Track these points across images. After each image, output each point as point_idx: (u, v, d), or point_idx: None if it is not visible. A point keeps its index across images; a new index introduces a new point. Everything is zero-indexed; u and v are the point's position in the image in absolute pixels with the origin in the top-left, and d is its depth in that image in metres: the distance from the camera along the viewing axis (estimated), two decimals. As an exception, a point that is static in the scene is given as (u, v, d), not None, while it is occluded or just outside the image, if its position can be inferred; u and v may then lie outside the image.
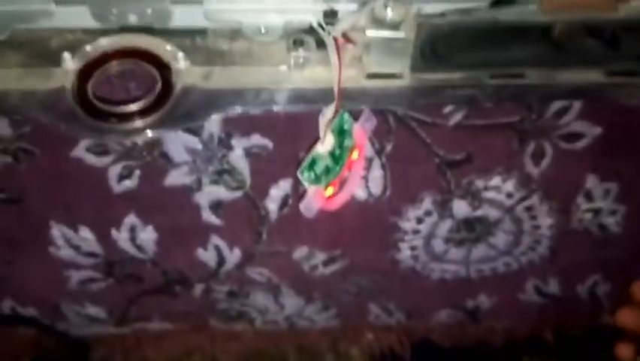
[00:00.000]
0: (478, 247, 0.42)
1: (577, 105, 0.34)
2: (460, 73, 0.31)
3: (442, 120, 0.35)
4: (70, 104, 0.30)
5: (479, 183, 0.38)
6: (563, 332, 0.52)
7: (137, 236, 0.40)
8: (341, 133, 0.31)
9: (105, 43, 0.31)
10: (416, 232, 0.41)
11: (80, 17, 0.30)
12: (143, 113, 0.30)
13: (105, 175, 0.36)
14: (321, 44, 0.30)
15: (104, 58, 0.30)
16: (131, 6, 0.29)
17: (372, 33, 0.28)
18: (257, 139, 0.36)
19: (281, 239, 0.40)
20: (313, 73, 0.31)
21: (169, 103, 0.29)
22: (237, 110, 0.31)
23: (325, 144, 0.30)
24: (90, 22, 0.31)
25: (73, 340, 0.48)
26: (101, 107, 0.31)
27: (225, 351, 0.51)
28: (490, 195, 0.39)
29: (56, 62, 0.30)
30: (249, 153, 0.36)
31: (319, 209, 0.32)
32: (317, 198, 0.31)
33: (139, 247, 0.40)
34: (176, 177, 0.37)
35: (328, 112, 0.30)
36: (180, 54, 0.31)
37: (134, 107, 0.31)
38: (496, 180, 0.38)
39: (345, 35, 0.30)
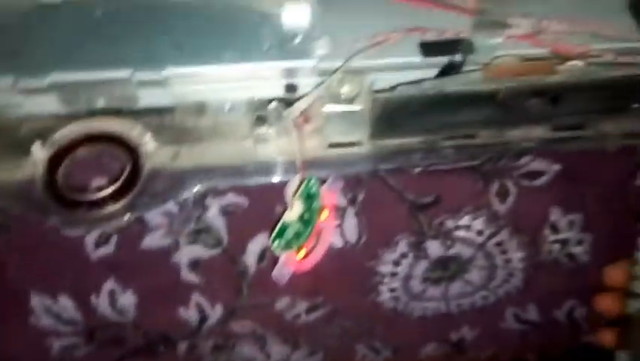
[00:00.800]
0: (454, 284, 0.43)
1: (533, 147, 0.36)
2: (416, 137, 0.32)
3: (408, 167, 0.37)
4: (41, 195, 0.30)
5: (450, 223, 0.40)
6: (544, 354, 0.53)
7: (117, 301, 0.40)
8: (309, 197, 0.32)
9: (74, 129, 0.31)
10: (394, 274, 0.42)
11: (49, 103, 0.31)
12: (113, 198, 0.31)
13: (82, 243, 0.37)
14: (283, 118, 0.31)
15: (73, 144, 0.31)
16: (99, 90, 0.30)
17: (329, 108, 0.30)
18: (231, 197, 0.37)
19: (262, 292, 0.41)
20: (277, 146, 0.31)
21: (138, 186, 0.30)
22: (206, 186, 0.32)
23: (293, 211, 0.31)
24: (59, 108, 0.31)
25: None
26: (72, 196, 0.31)
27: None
28: (461, 233, 0.40)
29: (25, 151, 0.31)
30: (224, 211, 0.37)
31: (292, 272, 0.33)
32: (289, 263, 0.32)
33: (119, 312, 0.40)
34: (152, 240, 0.37)
35: (293, 182, 0.31)
36: (148, 135, 0.31)
37: (104, 193, 0.31)
38: (465, 220, 0.39)
39: (303, 114, 0.31)
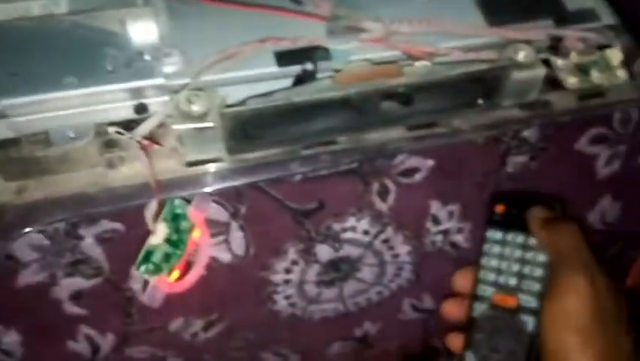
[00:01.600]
0: (348, 284, 0.44)
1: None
2: (275, 149, 0.32)
3: (287, 177, 0.37)
4: None
5: (336, 227, 0.40)
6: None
7: (1, 342, 0.38)
8: (174, 219, 0.31)
9: None
10: (287, 281, 0.42)
11: None
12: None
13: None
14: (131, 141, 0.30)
15: None
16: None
17: (181, 126, 0.29)
18: (106, 224, 0.35)
19: (153, 315, 0.40)
20: (131, 169, 0.30)
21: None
22: (58, 218, 0.30)
23: (157, 235, 0.31)
24: None
25: None
26: None
27: None
28: (348, 235, 0.41)
29: None
30: (100, 239, 0.36)
31: (167, 294, 0.32)
32: (161, 286, 0.31)
33: (6, 352, 0.38)
34: (27, 277, 0.36)
35: (152, 205, 0.30)
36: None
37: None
38: (351, 221, 0.40)
39: (153, 134, 0.30)
